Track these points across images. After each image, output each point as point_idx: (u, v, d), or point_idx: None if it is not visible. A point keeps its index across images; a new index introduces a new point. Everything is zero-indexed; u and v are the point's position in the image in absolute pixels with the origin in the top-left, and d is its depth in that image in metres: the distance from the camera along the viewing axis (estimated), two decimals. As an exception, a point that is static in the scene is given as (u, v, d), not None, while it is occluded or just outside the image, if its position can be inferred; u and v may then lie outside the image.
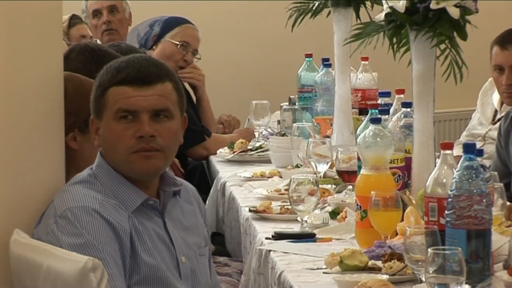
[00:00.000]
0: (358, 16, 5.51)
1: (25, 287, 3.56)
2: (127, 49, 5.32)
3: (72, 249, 3.48)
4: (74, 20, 7.12)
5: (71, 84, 3.93)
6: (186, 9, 7.55)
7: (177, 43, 6.62)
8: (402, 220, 4.06)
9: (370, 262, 3.88)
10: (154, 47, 6.58)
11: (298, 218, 4.54)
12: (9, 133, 3.68)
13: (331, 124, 5.88)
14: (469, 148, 3.72)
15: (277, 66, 7.78)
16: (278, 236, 4.44)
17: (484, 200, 3.63)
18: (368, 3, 5.55)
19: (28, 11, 3.72)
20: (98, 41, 7.25)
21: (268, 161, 5.97)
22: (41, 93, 3.77)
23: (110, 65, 3.77)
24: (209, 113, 6.92)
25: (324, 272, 3.91)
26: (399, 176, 4.54)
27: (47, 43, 3.81)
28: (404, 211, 4.09)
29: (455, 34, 4.29)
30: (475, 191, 3.62)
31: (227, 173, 5.88)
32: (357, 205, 4.25)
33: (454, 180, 3.65)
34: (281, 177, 5.52)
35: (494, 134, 6.08)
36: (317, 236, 4.42)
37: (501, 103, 6.45)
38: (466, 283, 3.39)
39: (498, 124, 6.03)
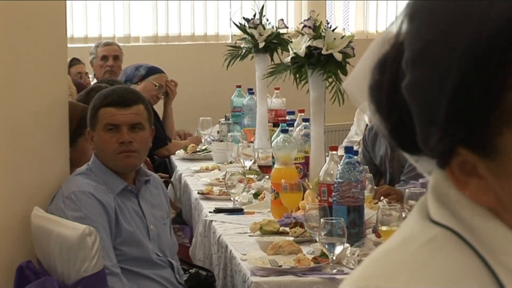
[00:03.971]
0: (272, 59, 5.50)
1: (41, 247, 3.53)
2: (115, 83, 5.37)
3: (74, 220, 3.48)
4: (74, 61, 7.05)
5: None
6: (157, 54, 7.52)
7: (156, 84, 6.62)
8: (303, 199, 4.06)
9: (281, 228, 3.87)
10: (139, 83, 6.56)
11: (231, 198, 4.53)
12: (31, 141, 3.66)
13: (254, 134, 5.87)
14: (348, 150, 3.74)
15: (217, 93, 7.76)
16: (218, 210, 4.42)
17: (359, 186, 3.65)
18: (279, 50, 5.55)
19: (41, 55, 3.69)
20: (91, 76, 7.20)
21: (211, 159, 5.94)
22: (52, 113, 3.75)
23: (101, 93, 3.80)
24: (171, 120, 6.90)
25: (249, 235, 3.90)
26: (300, 169, 4.55)
27: (56, 78, 3.78)
28: (304, 193, 4.09)
29: (339, 71, 4.30)
30: (353, 179, 3.64)
31: (182, 167, 5.85)
32: (272, 189, 4.24)
33: (338, 172, 3.67)
34: (219, 170, 5.50)
35: (366, 140, 6.11)
36: (245, 210, 4.40)
37: (370, 120, 6.47)
38: (347, 242, 3.40)
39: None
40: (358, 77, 1.11)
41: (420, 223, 1.07)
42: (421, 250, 1.03)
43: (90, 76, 7.26)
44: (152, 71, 6.71)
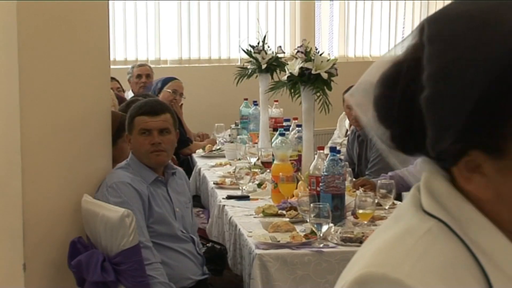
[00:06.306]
0: (272, 78, 5.49)
1: (89, 226, 3.52)
2: (146, 96, 5.38)
3: (116, 205, 3.47)
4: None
5: None
6: (181, 73, 7.50)
7: (170, 91, 6.62)
8: (297, 188, 4.05)
9: (279, 211, 3.87)
10: (159, 94, 6.56)
11: (240, 187, 4.52)
12: (81, 142, 3.66)
13: (258, 136, 5.86)
14: (333, 150, 3.73)
15: (229, 105, 7.75)
16: (229, 197, 4.41)
17: (341, 178, 3.64)
18: (278, 71, 5.54)
19: (89, 74, 3.69)
20: (129, 91, 7.20)
21: (223, 157, 5.94)
22: (98, 119, 3.74)
23: (136, 104, 3.83)
24: (188, 131, 6.92)
25: (254, 217, 3.89)
26: (295, 164, 4.54)
27: (101, 92, 3.78)
28: (297, 183, 4.08)
29: (325, 87, 4.29)
30: (336, 173, 3.63)
31: (201, 163, 5.85)
32: (272, 180, 4.23)
33: (325, 167, 3.66)
34: (231, 165, 5.49)
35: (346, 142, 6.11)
36: (250, 197, 4.39)
37: (350, 126, 6.46)
38: (331, 223, 3.39)
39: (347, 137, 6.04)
40: (361, 90, 1.07)
41: (416, 215, 1.03)
42: (420, 242, 0.99)
43: (128, 91, 7.25)
44: (166, 81, 6.72)
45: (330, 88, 4.29)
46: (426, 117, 0.99)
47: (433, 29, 1.00)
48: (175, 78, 6.75)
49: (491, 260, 0.98)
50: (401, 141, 1.03)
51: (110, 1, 3.91)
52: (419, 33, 1.02)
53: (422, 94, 0.99)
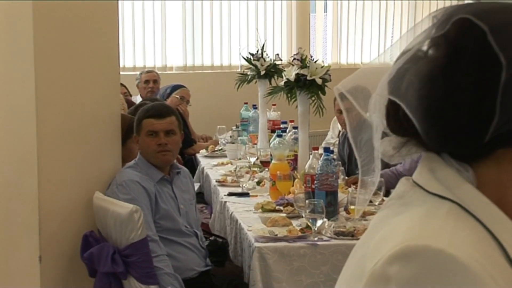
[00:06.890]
0: (270, 83, 5.49)
1: (100, 221, 3.52)
2: (153, 100, 5.36)
3: (125, 201, 3.47)
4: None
5: None
6: (186, 79, 7.50)
7: (178, 97, 6.63)
8: (293, 186, 4.05)
9: (277, 207, 3.87)
10: (167, 99, 6.57)
11: (240, 185, 4.52)
12: (93, 143, 3.65)
13: (257, 138, 5.86)
14: (326, 150, 3.73)
15: (230, 108, 7.74)
16: (230, 194, 4.41)
17: (334, 176, 3.64)
18: (276, 76, 5.54)
19: (100, 80, 3.69)
20: (138, 97, 7.19)
21: (225, 156, 5.94)
22: (109, 122, 3.74)
23: (143, 108, 3.82)
24: (193, 132, 6.91)
25: (253, 212, 3.89)
26: (291, 163, 4.53)
27: (111, 97, 3.78)
28: (294, 181, 4.08)
29: (319, 92, 4.29)
30: (329, 171, 3.63)
31: (204, 162, 5.85)
32: (270, 178, 4.23)
33: (319, 166, 3.66)
34: (232, 164, 5.49)
35: (339, 143, 6.10)
36: (250, 194, 4.39)
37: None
38: (325, 218, 3.39)
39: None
40: (377, 96, 1.05)
41: (429, 199, 1.02)
42: (447, 220, 0.98)
43: (136, 96, 7.25)
44: (175, 88, 6.74)
45: (324, 93, 4.30)
46: (501, 100, 0.95)
47: (492, 21, 0.98)
48: (183, 86, 6.78)
49: (501, 235, 0.99)
50: (449, 133, 0.99)
51: (119, 12, 3.91)
52: (459, 27, 1.00)
53: (491, 79, 0.96)
